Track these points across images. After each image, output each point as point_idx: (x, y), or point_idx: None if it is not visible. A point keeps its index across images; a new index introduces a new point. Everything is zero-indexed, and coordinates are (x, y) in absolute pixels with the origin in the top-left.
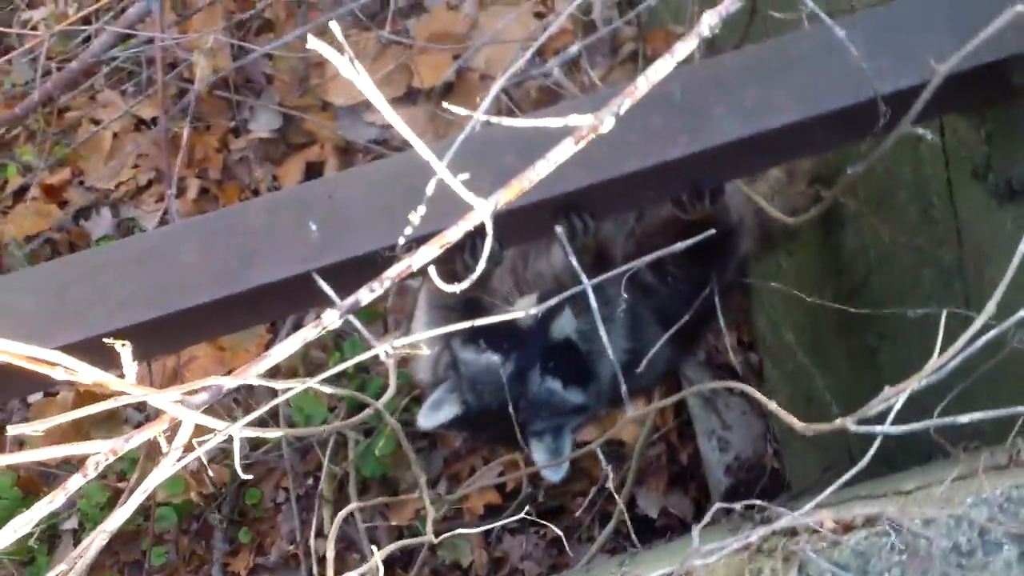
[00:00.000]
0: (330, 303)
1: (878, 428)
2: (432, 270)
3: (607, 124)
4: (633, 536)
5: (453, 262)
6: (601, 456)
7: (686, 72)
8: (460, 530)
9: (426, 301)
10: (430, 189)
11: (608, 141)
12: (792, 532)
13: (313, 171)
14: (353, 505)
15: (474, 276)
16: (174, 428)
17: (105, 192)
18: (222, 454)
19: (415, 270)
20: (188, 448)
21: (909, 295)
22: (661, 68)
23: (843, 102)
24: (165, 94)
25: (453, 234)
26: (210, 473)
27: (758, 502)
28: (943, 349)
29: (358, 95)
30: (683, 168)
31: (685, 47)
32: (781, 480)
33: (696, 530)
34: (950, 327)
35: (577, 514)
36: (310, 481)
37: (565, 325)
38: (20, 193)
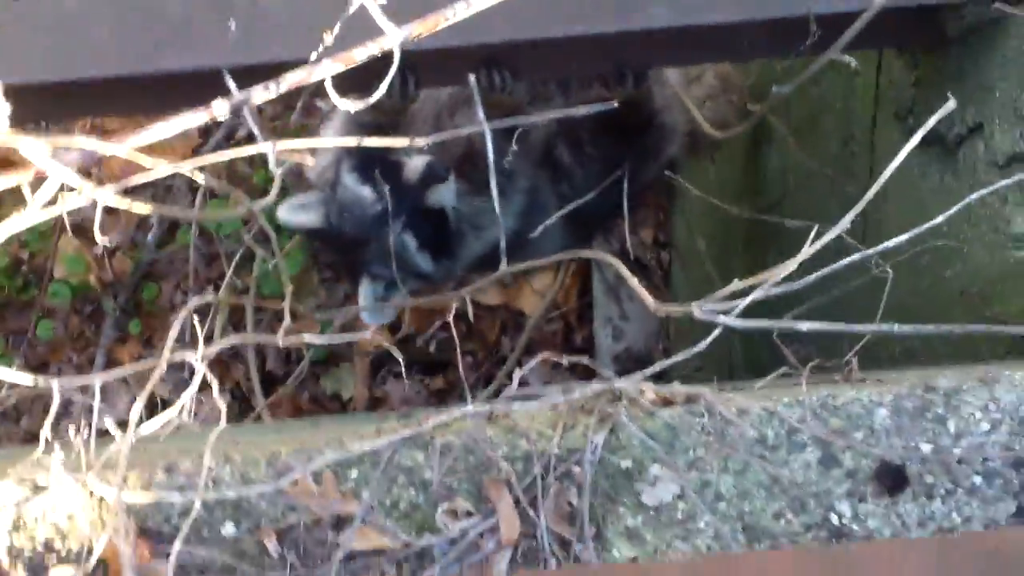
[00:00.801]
0: None
1: (720, 318)
2: (330, 85)
3: None
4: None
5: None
6: (455, 332)
7: None
8: (306, 335)
9: (344, 114)
10: (351, 9)
11: (539, 2)
12: (616, 398)
13: None
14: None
15: (370, 100)
16: (40, 181)
17: None
18: (128, 244)
19: (314, 81)
20: (54, 203)
21: (814, 221)
22: None
23: (776, 13)
24: None
25: (360, 54)
26: (106, 245)
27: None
28: (817, 266)
29: None
30: (608, 45)
31: None
32: (665, 378)
33: (517, 374)
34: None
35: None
36: (212, 289)
37: (444, 196)
38: None
